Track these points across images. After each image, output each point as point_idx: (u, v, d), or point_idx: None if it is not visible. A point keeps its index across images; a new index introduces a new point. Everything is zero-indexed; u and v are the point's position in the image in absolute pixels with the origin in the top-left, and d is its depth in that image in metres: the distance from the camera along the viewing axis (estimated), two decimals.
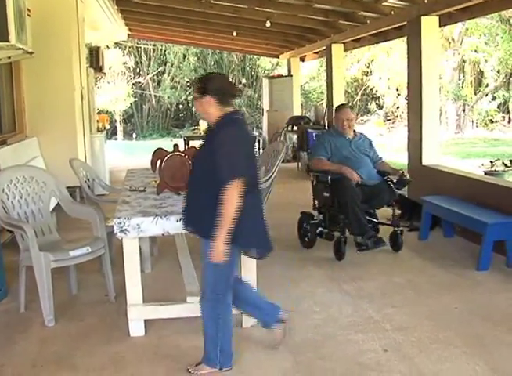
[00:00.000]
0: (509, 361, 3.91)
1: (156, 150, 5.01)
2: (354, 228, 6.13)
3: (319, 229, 6.55)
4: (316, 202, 6.68)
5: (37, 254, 4.56)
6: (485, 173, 10.51)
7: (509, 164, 11.36)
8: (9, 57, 6.96)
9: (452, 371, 3.77)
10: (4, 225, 4.81)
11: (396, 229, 6.44)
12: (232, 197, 3.41)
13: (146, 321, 4.39)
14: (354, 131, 6.62)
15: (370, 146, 6.68)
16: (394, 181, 6.31)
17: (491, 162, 11.51)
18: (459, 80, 23.67)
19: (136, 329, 4.34)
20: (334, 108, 7.17)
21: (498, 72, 22.94)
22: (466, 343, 4.14)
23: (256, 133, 17.61)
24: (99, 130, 11.64)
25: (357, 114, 25.36)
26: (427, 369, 3.80)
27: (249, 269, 4.41)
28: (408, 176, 6.41)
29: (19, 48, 5.91)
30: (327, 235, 6.46)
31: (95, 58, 12.83)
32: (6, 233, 6.40)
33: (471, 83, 23.79)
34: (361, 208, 6.12)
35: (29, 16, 6.18)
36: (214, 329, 3.73)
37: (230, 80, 3.84)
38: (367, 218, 6.36)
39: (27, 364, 4.02)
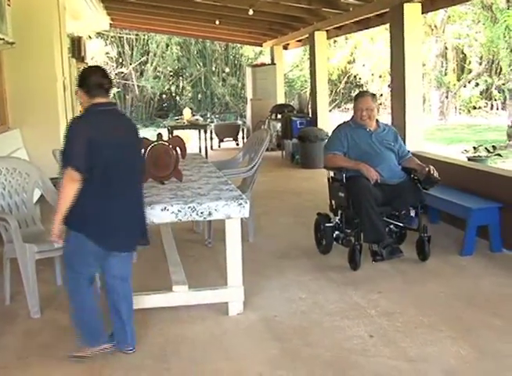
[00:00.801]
0: (493, 343, 3.94)
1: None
2: (368, 234, 5.43)
3: (336, 232, 5.79)
4: (333, 203, 5.96)
5: (21, 245, 4.52)
6: (469, 159, 10.57)
7: (492, 150, 11.43)
8: None
9: (437, 355, 3.80)
10: None
11: (423, 235, 5.59)
12: (64, 184, 3.64)
13: None
14: (377, 121, 5.84)
15: (396, 139, 5.85)
16: (421, 179, 5.59)
17: (474, 148, 11.58)
18: (442, 67, 23.73)
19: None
20: (353, 96, 6.38)
21: (480, 58, 23.00)
22: (451, 327, 4.17)
23: (240, 122, 17.61)
24: None
25: (341, 102, 25.44)
26: (413, 353, 3.83)
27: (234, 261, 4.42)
28: (436, 174, 5.50)
29: (0, 39, 5.86)
30: (344, 240, 5.68)
31: (77, 48, 12.74)
32: None
33: (454, 70, 23.87)
34: (378, 211, 5.41)
35: (9, 5, 6.14)
36: (74, 307, 3.88)
37: (103, 72, 3.84)
38: (392, 221, 5.77)
39: (13, 356, 4.00)
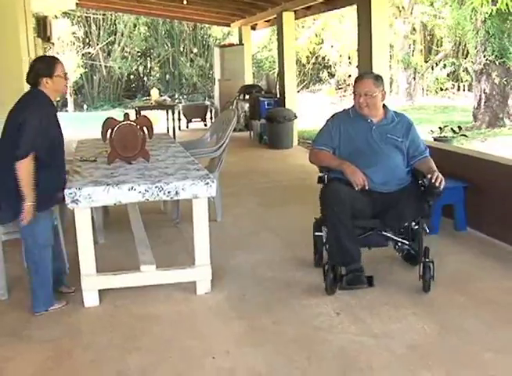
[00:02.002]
0: (456, 320, 4.03)
1: (107, 119, 4.96)
2: (332, 254, 4.45)
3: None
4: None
5: None
6: (435, 139, 10.67)
7: (457, 131, 11.54)
8: None
9: (402, 331, 3.87)
10: None
11: (425, 260, 4.46)
12: (26, 170, 3.99)
13: (100, 291, 4.38)
14: (385, 110, 4.69)
15: (407, 133, 4.65)
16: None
17: (440, 128, 11.68)
18: (410, 48, 23.86)
19: (90, 299, 4.33)
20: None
21: (448, 38, 23.17)
22: (416, 304, 4.24)
23: (208, 102, 17.55)
24: None
25: (309, 83, 25.45)
26: (378, 329, 3.89)
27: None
28: (439, 183, 4.26)
29: None
30: None
31: (42, 28, 12.57)
32: None
33: (422, 51, 24.02)
34: (351, 226, 4.36)
35: None
36: (40, 279, 4.23)
37: (43, 61, 4.27)
38: (391, 236, 4.59)
39: None
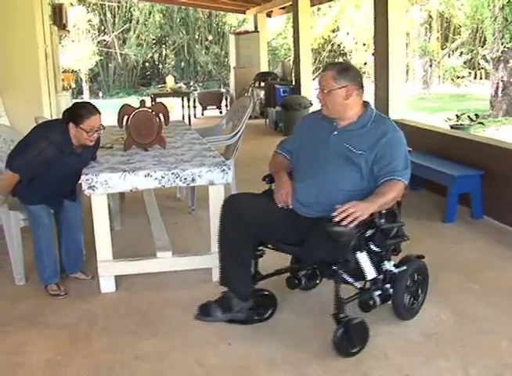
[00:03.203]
0: (471, 308, 4.01)
1: (123, 106, 4.97)
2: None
3: None
4: None
5: (6, 212, 4.49)
6: (451, 127, 10.60)
7: (474, 119, 11.46)
8: None
9: (417, 318, 3.86)
10: None
11: (365, 295, 3.60)
12: None
13: (116, 277, 4.40)
14: (364, 111, 3.67)
15: (375, 145, 3.52)
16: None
17: (457, 116, 11.60)
18: (426, 36, 23.69)
19: (107, 285, 4.36)
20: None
21: (465, 26, 22.97)
22: (432, 292, 4.21)
23: (223, 90, 17.53)
24: (64, 89, 11.50)
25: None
26: (394, 317, 3.87)
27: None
28: (339, 219, 3.19)
29: None
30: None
31: (58, 15, 12.58)
32: None
33: (438, 39, 23.83)
34: (240, 247, 3.66)
35: None
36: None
37: (81, 107, 4.27)
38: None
39: None
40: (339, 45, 25.05)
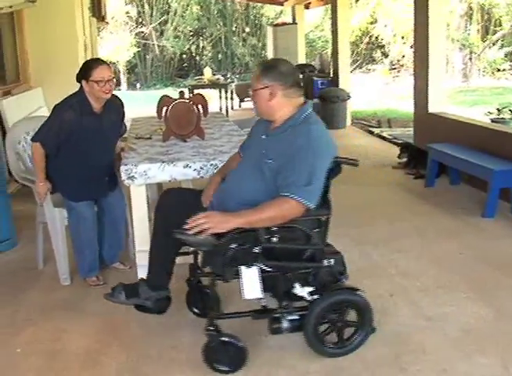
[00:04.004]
0: (511, 304, 3.96)
1: (162, 97, 4.98)
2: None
3: None
4: None
5: (51, 210, 4.44)
6: (492, 121, 10.45)
7: None
8: (11, 6, 6.90)
9: (456, 314, 3.82)
10: (19, 180, 4.73)
11: (271, 316, 3.32)
12: None
13: None
14: (295, 113, 3.27)
15: (282, 153, 3.15)
16: None
17: (498, 110, 11.43)
18: (466, 28, 23.36)
19: (144, 274, 4.37)
20: None
21: (507, 17, 22.59)
22: (471, 288, 4.19)
23: None
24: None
25: (362, 63, 25.15)
26: (432, 312, 3.85)
27: None
28: (188, 227, 3.07)
29: None
30: None
31: (97, 7, 12.70)
32: (14, 183, 6.43)
33: (478, 31, 23.48)
34: (162, 239, 3.53)
35: None
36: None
37: (85, 63, 4.28)
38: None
39: (38, 310, 4.10)
40: (377, 38, 24.84)
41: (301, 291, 3.27)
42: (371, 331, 3.40)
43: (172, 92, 14.22)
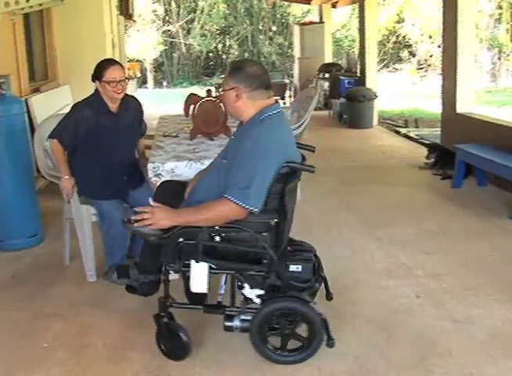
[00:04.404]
0: None
1: (190, 95, 4.99)
2: None
3: None
4: None
5: (77, 207, 4.44)
6: None
7: None
8: (40, 4, 6.97)
9: (483, 317, 3.78)
10: (47, 177, 4.74)
11: (224, 312, 3.39)
12: None
13: None
14: (258, 113, 3.25)
15: (233, 153, 3.23)
16: None
17: None
18: (495, 27, 23.12)
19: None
20: None
21: None
22: (499, 290, 4.14)
23: (287, 81, 17.47)
24: (130, 78, 11.65)
25: (389, 62, 25.01)
26: (459, 315, 3.81)
27: None
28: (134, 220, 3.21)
29: None
30: None
31: (124, 6, 12.79)
32: (41, 180, 6.48)
33: (507, 30, 23.22)
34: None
35: None
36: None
37: (98, 63, 4.24)
38: None
39: (65, 305, 4.14)
40: (404, 37, 24.68)
41: (250, 292, 3.29)
42: (330, 344, 3.31)
43: (198, 91, 14.23)
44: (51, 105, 7.44)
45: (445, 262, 4.68)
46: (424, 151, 8.11)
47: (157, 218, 3.13)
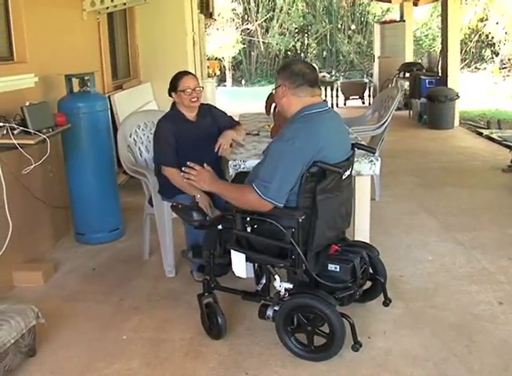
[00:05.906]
0: None
1: (271, 93, 4.97)
2: None
3: None
4: None
5: (158, 202, 4.50)
6: None
7: None
8: (125, 3, 7.11)
9: None
10: (129, 172, 4.84)
11: (260, 300, 3.61)
12: None
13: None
14: (302, 109, 3.38)
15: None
16: None
17: None
18: None
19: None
20: None
21: None
22: None
23: (366, 80, 17.31)
24: (209, 76, 11.76)
25: (471, 62, 24.47)
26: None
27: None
28: None
29: None
30: None
31: (205, 4, 12.90)
32: (122, 175, 6.62)
33: None
34: None
35: None
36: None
37: (174, 76, 4.42)
38: None
39: (144, 299, 4.22)
40: (487, 36, 24.07)
41: (279, 285, 3.42)
42: (357, 347, 3.35)
43: None
44: (133, 102, 7.57)
45: None
46: (507, 153, 7.89)
47: (200, 178, 3.50)
